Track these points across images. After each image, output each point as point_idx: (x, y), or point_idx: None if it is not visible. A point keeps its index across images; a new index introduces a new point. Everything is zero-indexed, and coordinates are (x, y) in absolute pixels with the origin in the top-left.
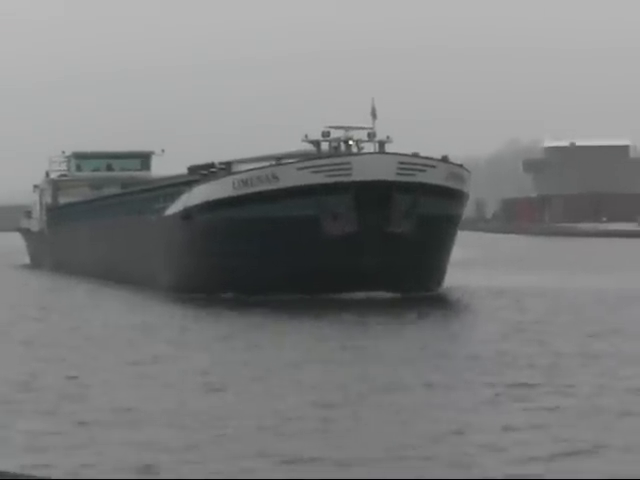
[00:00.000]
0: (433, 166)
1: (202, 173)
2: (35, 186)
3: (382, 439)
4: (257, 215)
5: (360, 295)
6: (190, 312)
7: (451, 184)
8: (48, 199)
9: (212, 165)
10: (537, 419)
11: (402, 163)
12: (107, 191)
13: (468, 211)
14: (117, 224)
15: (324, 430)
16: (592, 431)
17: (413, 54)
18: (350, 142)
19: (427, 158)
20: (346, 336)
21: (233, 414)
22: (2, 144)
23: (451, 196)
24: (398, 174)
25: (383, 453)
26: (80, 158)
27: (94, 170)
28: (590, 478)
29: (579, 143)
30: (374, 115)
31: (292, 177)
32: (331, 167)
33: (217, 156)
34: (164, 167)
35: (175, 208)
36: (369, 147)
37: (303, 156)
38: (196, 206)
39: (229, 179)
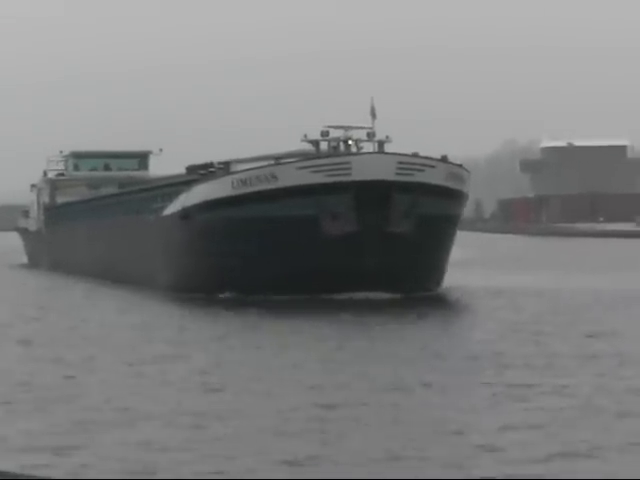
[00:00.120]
0: (432, 166)
1: (201, 173)
2: (32, 185)
3: (382, 439)
4: (256, 215)
5: (360, 295)
6: (188, 312)
7: (450, 184)
8: (46, 198)
9: (211, 165)
10: (535, 419)
11: (401, 163)
12: (105, 191)
13: (466, 211)
14: (115, 224)
15: (324, 430)
16: (590, 431)
17: (413, 54)
18: (349, 142)
19: (426, 158)
20: (345, 336)
21: (232, 414)
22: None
23: (450, 196)
24: (397, 174)
25: (382, 453)
26: (78, 157)
27: (92, 170)
28: (589, 478)
29: (577, 143)
30: (373, 115)
31: (291, 177)
32: (330, 167)
33: (215, 156)
34: (162, 167)
35: (174, 208)
36: (368, 147)
37: (302, 156)
38: (195, 206)
39: (228, 179)
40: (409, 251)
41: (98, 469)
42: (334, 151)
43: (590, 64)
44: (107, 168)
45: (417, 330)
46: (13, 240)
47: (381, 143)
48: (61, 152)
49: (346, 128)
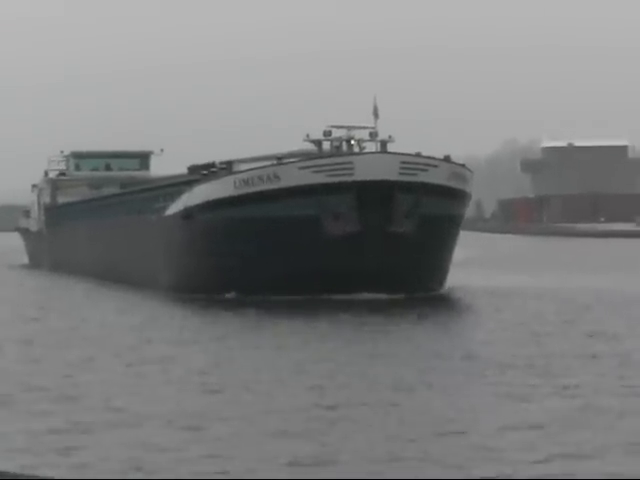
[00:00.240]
0: (435, 166)
1: (203, 173)
2: (33, 186)
3: (382, 439)
4: (258, 215)
5: (362, 296)
6: (189, 312)
7: (453, 184)
8: (47, 199)
9: (213, 165)
10: (535, 419)
11: (404, 163)
12: (106, 191)
13: (467, 211)
14: (116, 224)
15: (324, 430)
16: (591, 431)
17: (414, 54)
18: (352, 142)
19: (429, 158)
20: (346, 336)
21: (232, 414)
22: (2, 144)
23: (453, 196)
24: (400, 174)
25: (383, 453)
26: (79, 158)
27: (93, 170)
28: (589, 479)
29: (577, 143)
30: (376, 114)
31: (293, 177)
32: (333, 167)
33: (216, 156)
34: (163, 167)
35: (175, 208)
36: (371, 147)
37: (304, 156)
38: (197, 206)
39: (230, 179)
40: (412, 251)
41: (98, 469)
42: (336, 151)
43: (590, 64)
44: (108, 168)
45: (418, 330)
46: (14, 240)
47: (384, 143)
48: (62, 152)
49: (349, 128)
